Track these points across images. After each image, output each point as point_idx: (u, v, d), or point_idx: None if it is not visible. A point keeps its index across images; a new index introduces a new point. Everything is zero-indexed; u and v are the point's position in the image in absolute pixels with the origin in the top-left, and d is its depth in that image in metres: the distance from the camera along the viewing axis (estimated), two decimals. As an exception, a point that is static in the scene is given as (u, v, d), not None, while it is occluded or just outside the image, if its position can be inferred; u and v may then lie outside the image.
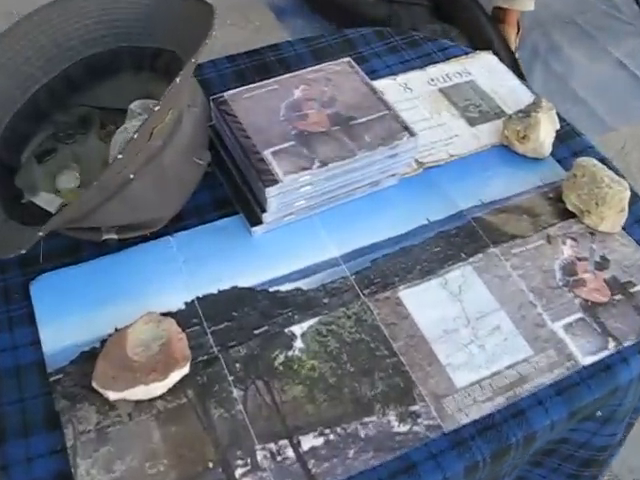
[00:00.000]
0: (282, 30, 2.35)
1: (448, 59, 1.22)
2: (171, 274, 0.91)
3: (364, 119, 0.98)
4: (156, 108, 0.79)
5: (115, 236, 0.93)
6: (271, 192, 0.90)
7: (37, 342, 0.86)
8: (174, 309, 0.88)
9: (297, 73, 1.04)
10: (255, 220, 0.96)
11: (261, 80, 1.05)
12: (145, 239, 0.94)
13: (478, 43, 2.36)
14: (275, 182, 0.90)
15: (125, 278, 0.91)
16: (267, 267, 0.93)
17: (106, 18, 1.04)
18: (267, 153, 0.93)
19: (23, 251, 0.77)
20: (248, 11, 2.41)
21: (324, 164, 0.93)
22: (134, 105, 1.02)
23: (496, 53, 1.29)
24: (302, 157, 0.93)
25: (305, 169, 0.92)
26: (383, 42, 1.23)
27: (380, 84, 1.13)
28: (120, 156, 0.77)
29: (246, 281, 0.91)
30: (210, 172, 1.01)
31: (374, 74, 1.15)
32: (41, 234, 0.78)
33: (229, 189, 1.00)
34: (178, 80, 0.80)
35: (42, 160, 1.02)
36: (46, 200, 0.94)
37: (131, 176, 0.85)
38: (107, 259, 0.93)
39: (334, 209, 0.99)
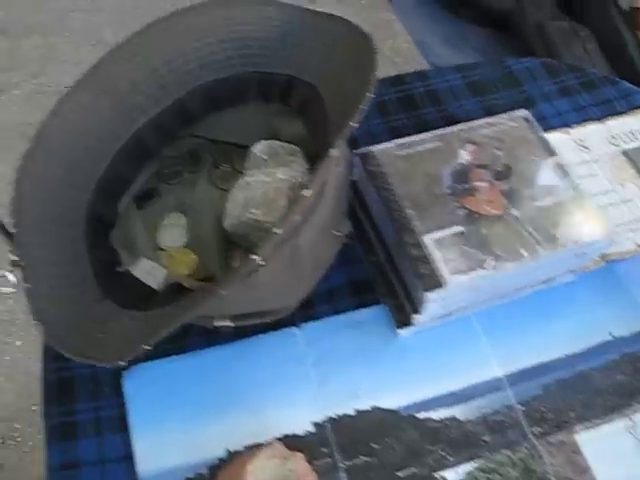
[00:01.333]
0: (389, 11, 2.11)
1: (632, 109, 1.00)
2: (297, 379, 0.74)
3: (547, 202, 0.78)
4: (306, 193, 0.61)
5: (230, 323, 0.75)
6: (431, 297, 0.71)
7: (129, 457, 0.69)
8: (300, 431, 0.71)
9: (462, 127, 0.84)
10: (403, 320, 0.77)
11: (407, 117, 0.85)
12: (265, 328, 0.76)
13: (608, 46, 2.10)
14: (438, 285, 0.71)
15: (239, 378, 0.74)
16: (415, 381, 0.75)
17: (233, 36, 0.85)
18: (428, 240, 0.74)
19: (122, 363, 0.60)
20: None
21: (499, 263, 0.73)
22: (258, 148, 0.84)
23: (629, 60, 1.06)
24: (472, 250, 0.74)
25: (475, 268, 0.72)
26: (553, 80, 1.02)
27: (552, 138, 0.92)
28: (259, 260, 0.58)
29: (389, 400, 0.74)
30: (347, 244, 0.81)
31: (544, 122, 0.95)
32: (147, 347, 0.61)
33: (371, 271, 0.81)
34: (332, 153, 0.61)
35: (142, 205, 0.84)
36: (146, 271, 0.77)
37: (261, 262, 0.67)
38: (218, 351, 0.76)
39: (496, 309, 0.80)
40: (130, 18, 2.23)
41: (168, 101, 0.84)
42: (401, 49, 2.09)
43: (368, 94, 0.66)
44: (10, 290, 0.76)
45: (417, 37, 2.11)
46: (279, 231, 0.61)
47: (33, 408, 1.65)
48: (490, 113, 0.95)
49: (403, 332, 0.78)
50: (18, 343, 1.75)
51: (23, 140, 1.94)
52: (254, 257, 0.59)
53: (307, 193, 0.62)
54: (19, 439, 1.64)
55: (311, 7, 1.87)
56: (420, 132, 0.92)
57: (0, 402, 1.67)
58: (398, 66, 2.04)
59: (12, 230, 0.71)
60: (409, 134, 0.91)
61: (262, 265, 0.65)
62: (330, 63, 0.80)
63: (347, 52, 0.79)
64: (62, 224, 0.75)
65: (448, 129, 0.85)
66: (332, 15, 0.83)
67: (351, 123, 0.64)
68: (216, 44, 0.85)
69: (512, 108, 0.95)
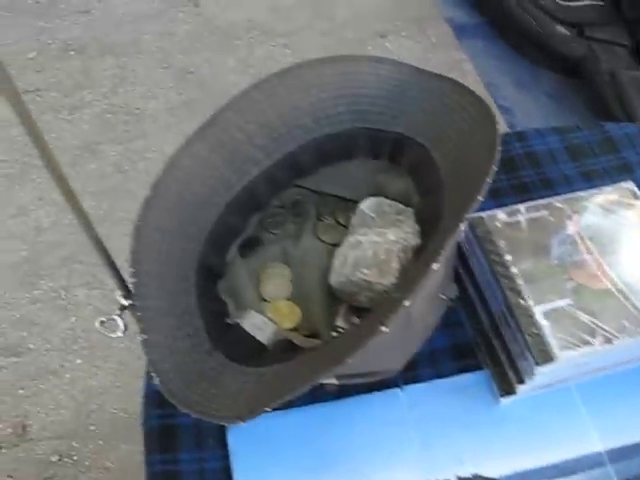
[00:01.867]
0: (459, 50, 2.13)
1: None
2: (399, 441, 0.76)
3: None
4: (435, 267, 0.62)
5: (335, 382, 0.76)
6: (541, 370, 0.72)
7: (233, 510, 0.70)
8: (402, 496, 0.71)
9: (568, 197, 0.85)
10: (507, 389, 0.77)
11: (507, 178, 0.87)
12: (369, 388, 0.77)
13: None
14: (549, 359, 0.71)
15: (341, 437, 0.76)
16: (516, 450, 0.76)
17: (345, 92, 0.86)
18: (539, 312, 0.74)
19: (241, 422, 0.62)
20: (426, 25, 2.20)
21: (609, 339, 0.73)
22: (366, 205, 0.85)
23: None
24: (581, 324, 0.74)
25: (585, 344, 0.72)
26: (653, 147, 1.02)
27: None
28: (385, 329, 0.59)
29: (491, 468, 0.75)
30: (451, 307, 0.82)
31: (642, 191, 0.94)
32: (268, 409, 0.62)
33: (474, 336, 0.82)
34: (460, 228, 0.62)
35: (245, 254, 0.85)
36: (255, 325, 0.78)
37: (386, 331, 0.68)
38: (321, 408, 0.77)
39: (597, 380, 0.80)
40: (202, 44, 2.27)
41: (280, 154, 0.85)
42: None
43: (494, 167, 0.67)
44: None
45: (487, 78, 2.13)
46: (407, 303, 0.61)
47: (91, 428, 1.68)
48: (588, 178, 0.96)
49: (506, 400, 0.78)
50: (78, 361, 1.78)
51: (93, 157, 2.00)
52: (383, 329, 0.60)
53: (435, 267, 0.63)
54: (75, 457, 1.66)
55: (380, 42, 1.88)
56: (519, 194, 0.93)
57: (58, 419, 1.69)
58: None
59: (130, 279, 0.73)
60: (509, 196, 0.92)
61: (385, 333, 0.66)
62: (441, 125, 0.81)
63: (460, 116, 0.80)
64: (175, 275, 0.77)
65: (554, 199, 0.86)
66: (443, 76, 0.84)
67: (479, 197, 0.65)
68: (329, 100, 0.86)
69: (610, 174, 0.96)
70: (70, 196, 0.64)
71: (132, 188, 1.98)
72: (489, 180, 0.64)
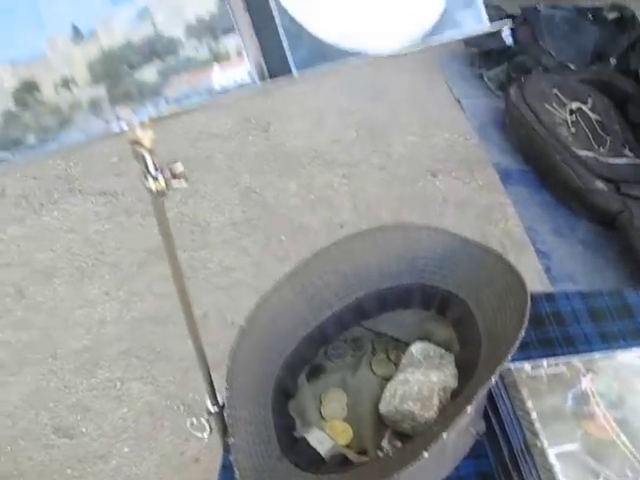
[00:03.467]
0: (504, 194, 2.39)
1: None
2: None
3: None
4: (469, 409, 0.83)
5: (377, 495, 0.96)
6: (551, 505, 0.91)
7: None
8: None
9: (585, 357, 1.06)
10: (520, 517, 0.97)
11: (534, 333, 1.08)
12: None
13: None
14: (559, 494, 0.91)
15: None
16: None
17: (406, 255, 1.10)
18: (552, 453, 0.95)
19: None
20: (475, 167, 2.47)
21: (609, 482, 0.93)
22: (416, 348, 1.07)
23: None
24: (588, 468, 0.94)
25: (589, 484, 0.92)
26: (665, 315, 1.23)
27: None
28: (426, 454, 0.80)
29: None
30: (478, 440, 1.03)
31: (653, 355, 1.15)
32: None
33: (496, 467, 1.02)
34: (479, 392, 0.83)
35: (311, 379, 1.08)
36: (317, 438, 1.00)
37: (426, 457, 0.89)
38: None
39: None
40: (268, 167, 2.57)
41: (349, 299, 1.09)
42: (511, 232, 2.35)
43: (522, 333, 0.89)
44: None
45: (528, 223, 2.38)
46: (445, 435, 0.83)
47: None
48: (605, 339, 1.17)
49: (520, 527, 0.98)
50: (126, 449, 1.98)
51: (159, 261, 2.24)
52: (425, 454, 0.82)
53: (469, 410, 0.85)
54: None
55: (431, 180, 2.14)
56: (544, 348, 1.15)
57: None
58: (507, 248, 2.29)
59: (225, 392, 0.96)
60: (535, 349, 1.14)
61: (425, 458, 0.88)
62: (483, 288, 1.05)
63: (499, 283, 1.03)
64: (257, 391, 1.00)
65: (572, 357, 1.07)
66: (489, 248, 1.08)
67: (509, 356, 0.87)
68: (393, 258, 1.11)
69: (625, 337, 1.18)
70: (186, 302, 0.86)
71: (192, 293, 2.22)
72: (518, 343, 0.86)
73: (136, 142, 0.61)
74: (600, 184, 2.33)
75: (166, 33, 0.63)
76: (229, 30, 0.65)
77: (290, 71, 0.66)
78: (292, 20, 0.67)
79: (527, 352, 1.12)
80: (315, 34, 0.67)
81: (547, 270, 2.22)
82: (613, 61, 2.84)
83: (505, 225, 2.34)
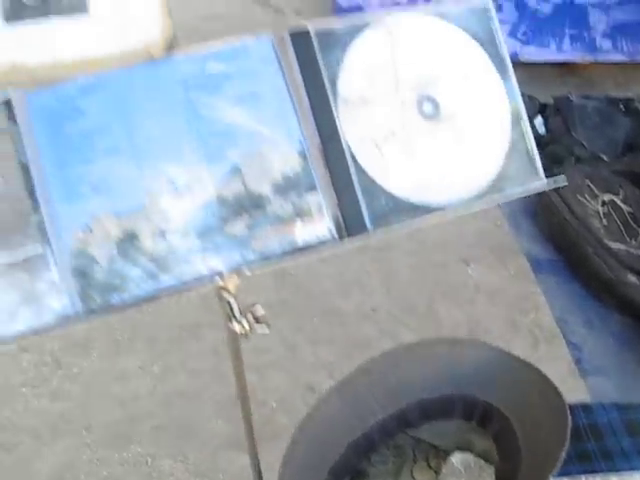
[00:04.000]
0: (535, 284, 2.44)
1: None
2: None
3: None
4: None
5: None
6: None
7: None
8: None
9: (625, 476, 1.10)
10: None
11: (572, 447, 1.11)
12: None
13: None
14: None
15: None
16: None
17: (450, 367, 1.16)
18: None
19: None
20: (505, 255, 2.53)
21: None
22: (456, 458, 1.12)
23: None
24: None
25: None
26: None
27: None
28: None
29: None
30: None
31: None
32: None
33: None
34: None
35: (355, 482, 1.13)
36: None
37: None
38: None
39: None
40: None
41: (394, 409, 1.15)
42: (542, 322, 2.39)
43: (563, 454, 0.95)
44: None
45: (558, 313, 2.42)
46: None
47: None
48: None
49: None
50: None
51: (194, 339, 2.27)
52: None
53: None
54: None
55: (462, 267, 2.20)
56: (582, 463, 1.19)
57: None
58: (537, 339, 2.33)
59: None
60: (573, 464, 1.18)
61: None
62: (525, 404, 1.10)
63: (540, 401, 1.08)
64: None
65: (611, 475, 1.12)
66: (531, 365, 1.14)
67: (549, 476, 0.92)
68: (436, 370, 1.17)
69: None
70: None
71: (225, 372, 2.28)
72: (559, 465, 0.91)
73: (222, 288, 0.68)
74: (632, 277, 2.37)
75: (255, 190, 0.71)
76: (311, 188, 0.72)
77: (365, 227, 0.73)
78: (367, 178, 0.74)
79: (564, 467, 1.16)
80: (388, 190, 0.75)
81: (578, 362, 2.25)
82: (645, 153, 2.91)
83: (536, 315, 2.38)
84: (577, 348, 2.30)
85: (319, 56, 0.77)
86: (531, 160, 0.85)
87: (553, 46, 3.18)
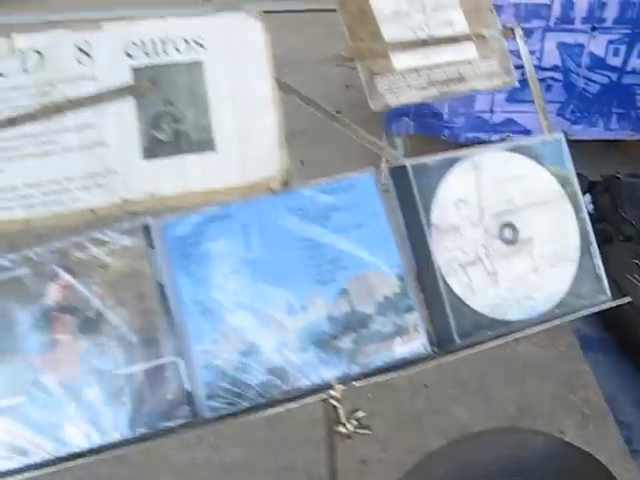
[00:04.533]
0: (585, 363, 2.51)
1: None
2: None
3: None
4: None
5: None
6: None
7: None
8: None
9: None
10: None
11: None
12: None
13: None
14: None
15: None
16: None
17: (513, 454, 1.25)
18: None
19: None
20: (555, 334, 2.61)
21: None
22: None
23: None
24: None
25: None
26: None
27: None
28: None
29: None
30: None
31: None
32: None
33: None
34: None
35: None
36: None
37: None
38: None
39: None
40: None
41: None
42: (591, 400, 2.45)
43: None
44: None
45: (608, 392, 2.49)
46: None
47: None
48: None
49: None
50: None
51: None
52: None
53: None
54: None
55: (513, 345, 2.28)
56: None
57: None
58: (587, 417, 2.39)
59: None
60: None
61: None
62: None
63: None
64: None
65: None
66: (588, 454, 1.23)
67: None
68: (500, 458, 1.26)
69: None
70: None
71: (279, 444, 2.38)
72: None
73: (331, 396, 0.80)
74: (683, 357, 2.44)
75: (360, 310, 0.83)
76: (409, 308, 0.84)
77: (453, 341, 0.84)
78: (456, 297, 0.86)
79: None
80: (473, 308, 0.86)
81: (628, 441, 2.31)
82: (693, 232, 2.99)
83: (585, 393, 2.45)
84: (627, 428, 2.36)
85: (414, 189, 0.89)
86: (598, 279, 0.96)
87: (601, 125, 3.30)
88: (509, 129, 3.26)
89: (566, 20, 3.08)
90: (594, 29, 3.11)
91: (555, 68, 3.21)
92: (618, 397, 2.47)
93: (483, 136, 3.31)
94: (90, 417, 0.81)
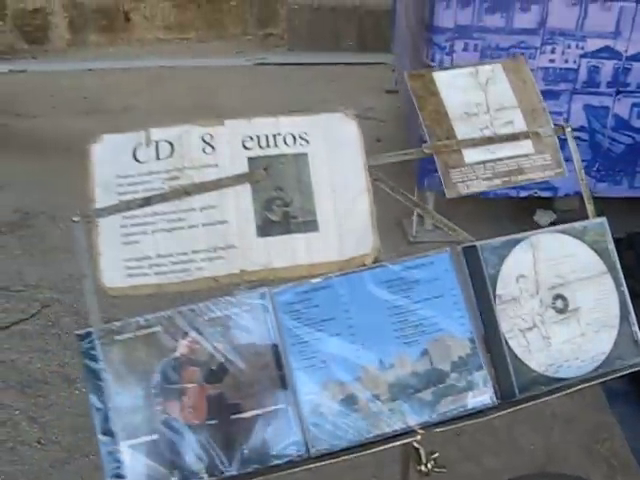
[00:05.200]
0: (610, 414, 2.69)
1: None
2: None
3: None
4: None
5: None
6: None
7: None
8: None
9: None
10: None
11: None
12: None
13: None
14: None
15: None
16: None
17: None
18: None
19: None
20: (582, 385, 2.78)
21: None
22: None
23: None
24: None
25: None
26: None
27: None
28: None
29: None
30: None
31: None
32: None
33: None
34: None
35: None
36: None
37: None
38: None
39: None
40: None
41: None
42: (617, 451, 2.62)
43: None
44: None
45: (634, 444, 2.65)
46: None
47: None
48: None
49: None
50: None
51: None
52: None
53: None
54: None
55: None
56: None
57: None
58: (614, 469, 2.56)
59: None
60: None
61: None
62: None
63: None
64: None
65: None
66: None
67: None
68: None
69: None
70: None
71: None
72: None
73: (415, 440, 0.99)
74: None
75: (439, 367, 1.02)
76: (479, 366, 1.04)
77: (514, 395, 1.04)
78: (516, 358, 1.05)
79: None
80: (531, 367, 1.06)
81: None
82: None
83: (611, 444, 2.62)
84: (653, 471, 2.52)
85: (483, 265, 1.10)
86: (636, 344, 1.16)
87: (625, 183, 3.51)
88: (537, 186, 3.47)
89: (592, 84, 3.31)
90: (619, 92, 3.33)
91: (581, 128, 3.43)
92: (644, 447, 2.64)
93: (511, 193, 3.53)
94: (212, 456, 1.00)
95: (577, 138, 3.38)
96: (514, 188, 3.40)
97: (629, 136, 3.45)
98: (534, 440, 2.67)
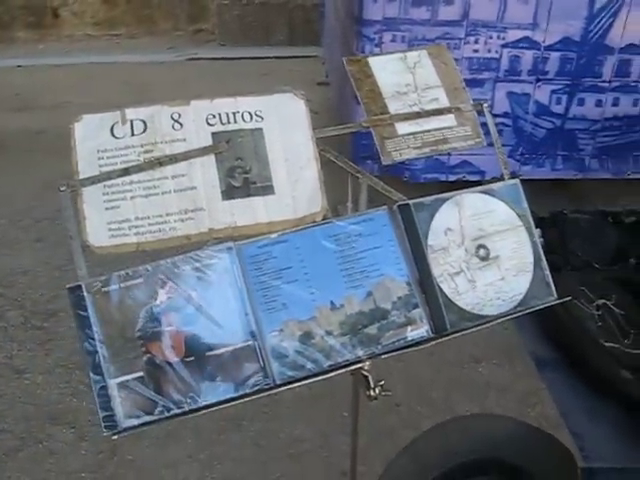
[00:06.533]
0: (540, 381, 2.97)
1: None
2: None
3: None
4: None
5: None
6: None
7: None
8: None
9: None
10: None
11: None
12: None
13: None
14: None
15: None
16: None
17: (485, 438, 1.68)
18: None
19: None
20: (513, 355, 3.08)
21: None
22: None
23: None
24: None
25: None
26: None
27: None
28: None
29: None
30: None
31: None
32: None
33: None
34: None
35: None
36: None
37: None
38: None
39: None
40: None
41: (444, 468, 1.66)
42: (547, 415, 2.91)
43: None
44: None
45: (562, 407, 2.94)
46: None
47: None
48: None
49: None
50: None
51: (237, 430, 2.78)
52: None
53: None
54: None
55: (474, 366, 2.72)
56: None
57: None
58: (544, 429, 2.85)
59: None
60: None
61: None
62: (544, 462, 1.62)
63: (557, 460, 1.60)
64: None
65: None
66: (548, 433, 1.66)
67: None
68: (476, 438, 1.69)
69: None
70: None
71: (265, 460, 2.77)
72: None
73: (362, 369, 1.22)
74: (626, 373, 2.90)
75: (381, 307, 1.26)
76: (415, 305, 1.28)
77: (446, 328, 1.28)
78: (447, 298, 1.30)
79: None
80: (460, 306, 1.30)
81: (581, 449, 2.75)
82: (633, 261, 3.50)
83: (542, 408, 2.91)
84: (579, 437, 2.80)
85: (416, 219, 1.33)
86: (547, 285, 1.41)
87: (547, 165, 3.83)
88: (464, 170, 3.76)
89: (513, 72, 3.62)
90: (538, 80, 3.65)
91: (505, 114, 3.73)
92: (571, 410, 2.92)
93: (441, 177, 3.81)
94: (190, 387, 1.21)
95: (501, 124, 3.68)
96: (443, 172, 3.68)
97: (549, 121, 3.76)
98: (470, 407, 2.94)
